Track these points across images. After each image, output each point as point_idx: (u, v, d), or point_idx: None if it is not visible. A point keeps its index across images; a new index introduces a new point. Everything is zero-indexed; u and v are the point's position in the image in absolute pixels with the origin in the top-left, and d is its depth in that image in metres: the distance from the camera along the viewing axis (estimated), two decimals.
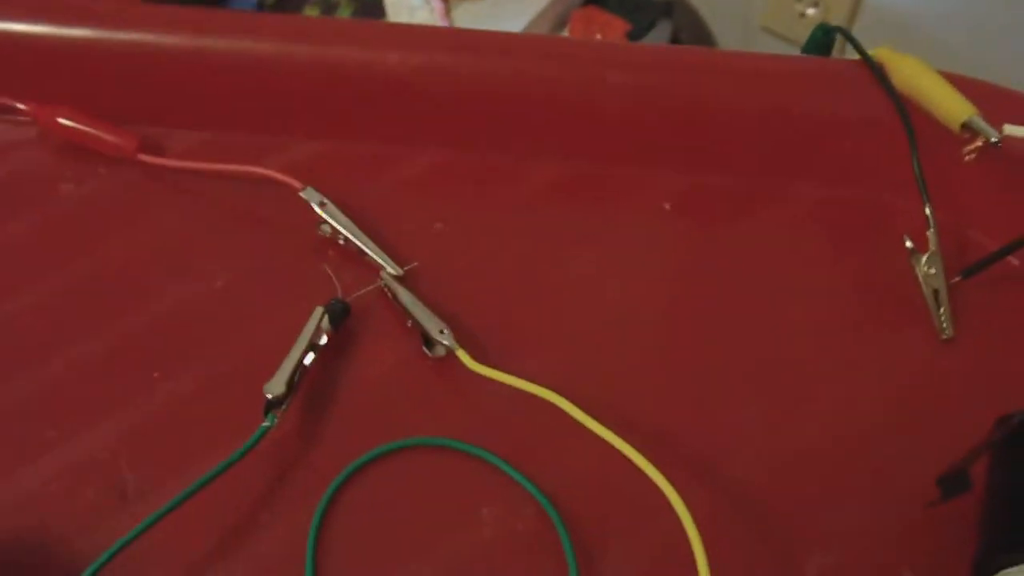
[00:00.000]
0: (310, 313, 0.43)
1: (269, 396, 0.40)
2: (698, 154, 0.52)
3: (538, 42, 0.59)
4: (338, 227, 0.47)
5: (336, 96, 0.52)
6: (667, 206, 0.50)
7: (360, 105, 0.52)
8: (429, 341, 0.43)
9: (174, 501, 0.37)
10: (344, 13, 1.26)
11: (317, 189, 0.48)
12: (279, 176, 0.49)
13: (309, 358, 0.42)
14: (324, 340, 0.43)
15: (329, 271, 0.46)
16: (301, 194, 0.48)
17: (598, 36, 1.24)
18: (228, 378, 0.43)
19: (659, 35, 1.30)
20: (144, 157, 0.51)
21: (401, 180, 0.51)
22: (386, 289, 0.45)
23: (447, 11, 1.22)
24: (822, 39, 0.54)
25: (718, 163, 0.52)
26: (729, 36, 1.34)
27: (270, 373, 0.41)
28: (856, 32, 0.55)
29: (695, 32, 1.34)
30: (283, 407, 0.40)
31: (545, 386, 0.40)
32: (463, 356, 0.42)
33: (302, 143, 0.53)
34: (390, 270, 0.46)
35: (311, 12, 1.27)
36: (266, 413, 0.40)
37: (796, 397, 0.43)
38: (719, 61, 0.54)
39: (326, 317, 0.43)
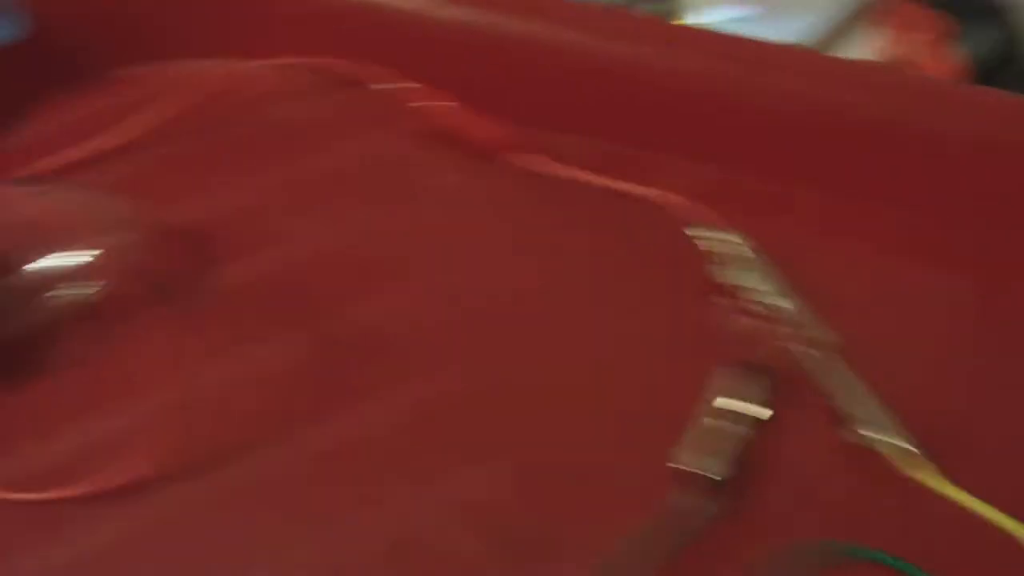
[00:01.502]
0: (704, 371, 0.39)
1: (713, 477, 0.36)
2: None
3: None
4: (763, 279, 0.42)
5: (740, 120, 0.47)
6: None
7: (760, 134, 0.47)
8: (855, 425, 0.38)
9: None
10: None
11: (718, 226, 0.43)
12: (678, 201, 0.44)
13: (740, 432, 0.37)
14: (751, 411, 0.38)
15: (737, 326, 0.42)
16: (692, 230, 0.43)
17: (916, 35, 1.15)
18: (617, 436, 0.39)
19: (986, 38, 1.19)
20: (517, 157, 0.48)
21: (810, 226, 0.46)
22: (811, 359, 0.40)
23: None
24: None
25: None
26: None
27: (661, 435, 0.37)
28: None
29: None
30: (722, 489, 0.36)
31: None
32: (920, 464, 0.36)
33: (688, 165, 0.48)
34: (820, 337, 0.40)
35: None
36: (705, 495, 0.36)
37: None
38: None
39: (746, 386, 0.38)
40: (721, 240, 0.43)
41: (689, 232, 0.44)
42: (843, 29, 1.21)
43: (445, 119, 0.48)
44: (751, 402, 0.39)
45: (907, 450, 0.37)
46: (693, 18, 1.17)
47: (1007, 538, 0.35)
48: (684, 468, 0.36)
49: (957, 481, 0.36)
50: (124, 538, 0.36)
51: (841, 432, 0.39)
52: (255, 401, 0.41)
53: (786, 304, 0.41)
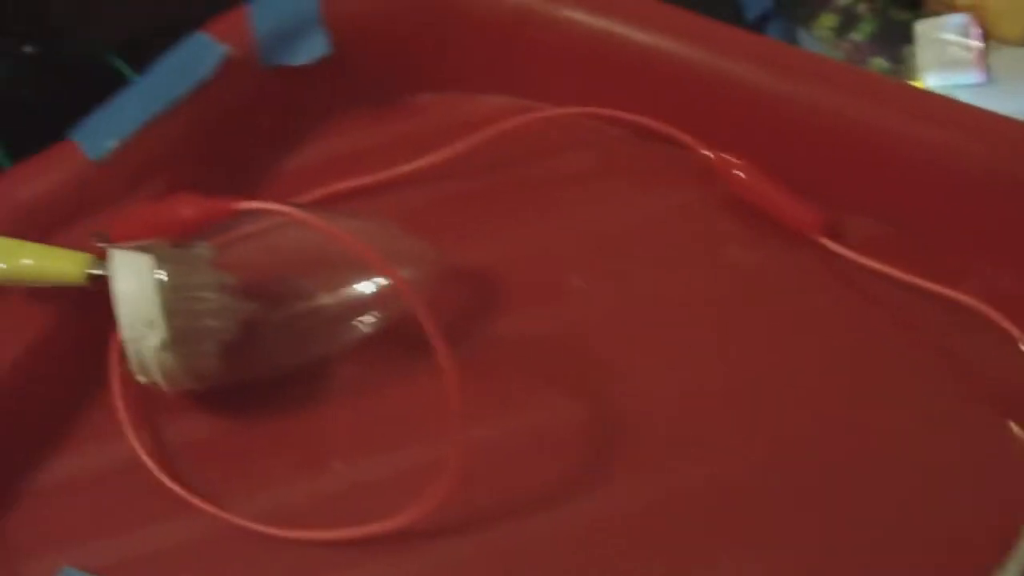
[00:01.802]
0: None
1: None
2: None
3: None
4: None
5: None
6: None
7: None
8: None
9: None
10: (864, 29, 1.16)
11: None
12: (991, 314, 0.41)
13: None
14: None
15: None
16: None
17: None
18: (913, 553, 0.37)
19: None
20: (827, 242, 0.45)
21: None
22: None
23: (984, 55, 1.09)
24: None
25: None
26: None
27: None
28: None
29: None
30: None
31: None
32: None
33: (1003, 271, 0.44)
34: None
35: (827, 20, 1.17)
36: None
37: None
38: None
39: None
40: None
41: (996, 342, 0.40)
42: None
43: (753, 191, 0.45)
44: None
45: None
46: (927, 80, 1.13)
47: None
48: None
49: None
50: None
51: None
52: (529, 461, 0.40)
53: None
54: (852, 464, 0.40)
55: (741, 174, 0.45)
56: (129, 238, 0.39)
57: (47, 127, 0.58)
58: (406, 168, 0.47)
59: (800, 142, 0.46)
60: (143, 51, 0.58)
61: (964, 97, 1.12)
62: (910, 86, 0.53)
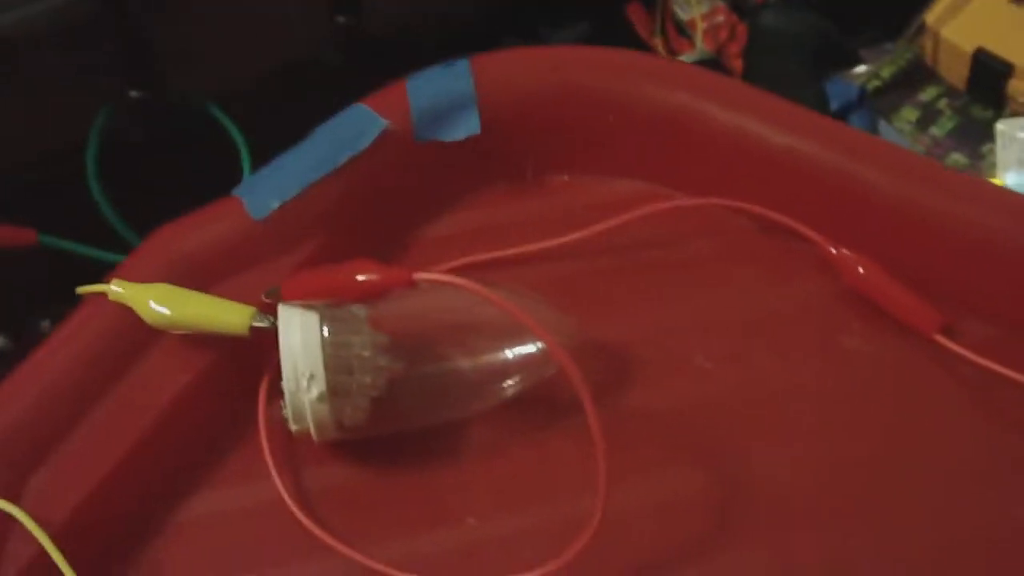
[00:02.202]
0: None
1: None
2: None
3: None
4: None
5: None
6: None
7: None
8: None
9: None
10: (944, 124, 1.18)
11: None
12: None
13: None
14: None
15: None
16: None
17: None
18: None
19: None
20: (943, 340, 0.47)
21: None
22: None
23: None
24: None
25: None
26: None
27: None
28: None
29: None
30: None
31: None
32: None
33: None
34: None
35: (908, 114, 1.19)
36: None
37: None
38: None
39: None
40: None
41: None
42: None
43: (872, 286, 0.48)
44: None
45: None
46: (1006, 178, 1.14)
47: None
48: None
49: None
50: None
51: None
52: (654, 527, 0.42)
53: None
54: (952, 550, 0.42)
55: (861, 269, 0.48)
56: (302, 298, 0.42)
57: (149, 169, 0.62)
58: (543, 244, 0.50)
59: (917, 243, 0.48)
60: (242, 101, 0.62)
61: None
62: (1016, 192, 0.55)
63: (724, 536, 0.42)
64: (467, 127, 0.49)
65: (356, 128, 0.48)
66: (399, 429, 0.45)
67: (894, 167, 0.48)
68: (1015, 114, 1.15)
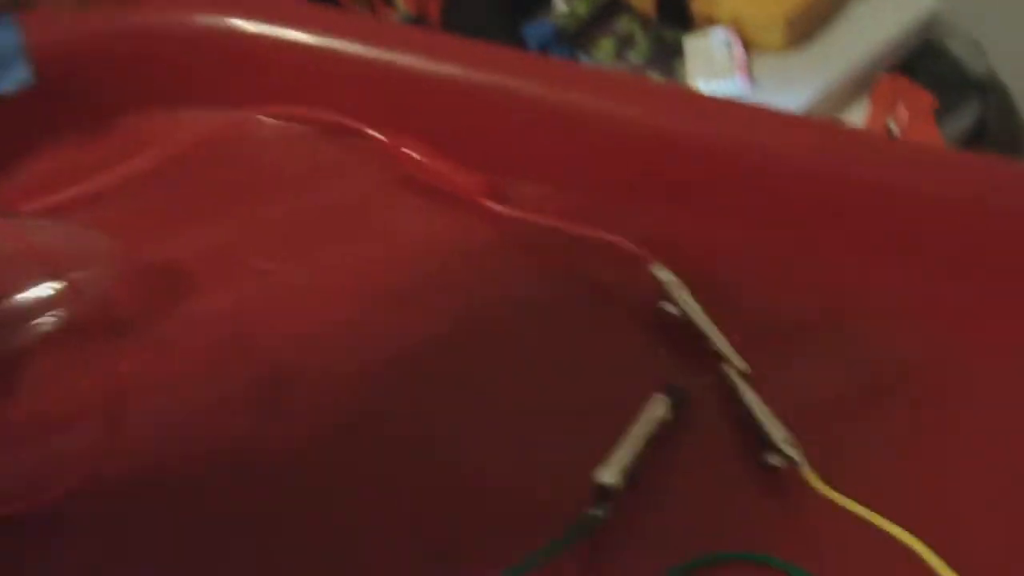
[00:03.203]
0: (640, 396, 0.42)
1: (603, 484, 0.39)
2: None
3: None
4: (683, 308, 0.45)
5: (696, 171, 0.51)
6: None
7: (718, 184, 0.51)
8: (768, 448, 0.41)
9: None
10: (640, 49, 1.25)
11: (666, 266, 0.47)
12: (628, 246, 0.47)
13: (644, 447, 0.41)
14: (658, 430, 0.42)
15: (666, 355, 0.45)
16: (651, 269, 0.47)
17: (902, 108, 1.19)
18: (545, 457, 0.42)
19: (966, 114, 1.23)
20: (489, 203, 0.52)
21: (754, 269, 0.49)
22: (727, 384, 0.43)
23: (747, 63, 1.20)
24: None
25: None
26: None
27: (587, 455, 0.40)
28: None
29: (1006, 115, 1.26)
30: (615, 498, 0.39)
31: (902, 525, 0.37)
32: (809, 475, 0.40)
33: (650, 213, 0.51)
34: (734, 363, 0.44)
35: (605, 45, 1.27)
36: (596, 502, 0.39)
37: None
38: None
39: (665, 405, 0.42)
40: (669, 280, 0.46)
41: (653, 271, 0.47)
42: (835, 104, 1.25)
43: (422, 167, 0.52)
44: (667, 422, 0.42)
45: (805, 466, 0.40)
46: (697, 86, 1.22)
47: (895, 544, 0.37)
48: (593, 482, 0.39)
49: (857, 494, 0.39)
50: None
51: (753, 451, 0.41)
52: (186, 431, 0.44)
53: (709, 333, 0.45)
54: (521, 386, 0.46)
55: (412, 153, 0.52)
56: None
57: None
58: (107, 182, 0.53)
59: (467, 121, 0.53)
60: None
61: None
62: (561, 61, 0.60)
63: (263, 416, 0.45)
64: (18, 79, 0.51)
65: None
66: None
67: (428, 51, 0.53)
68: (700, 30, 1.23)
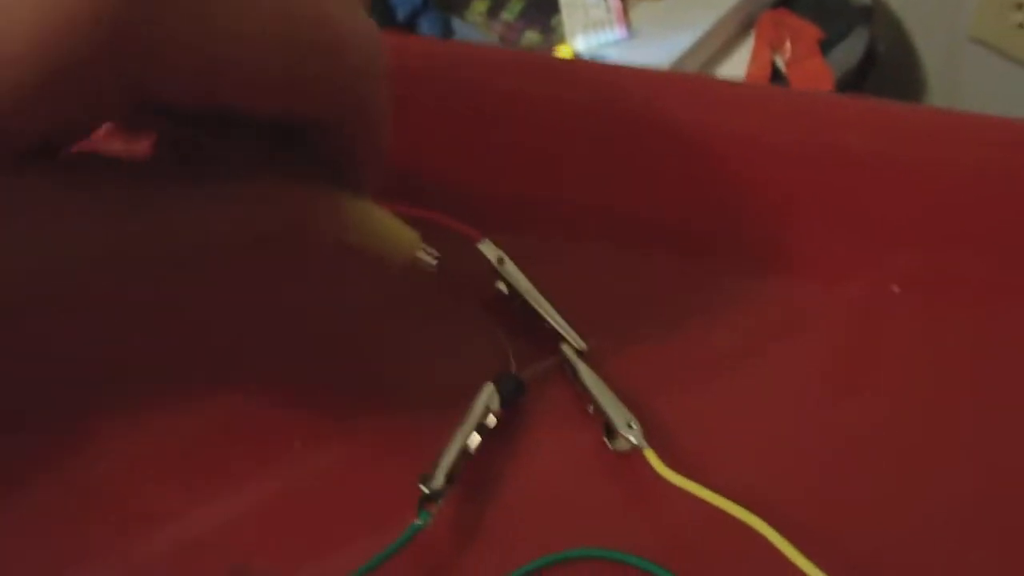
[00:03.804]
0: (476, 385, 0.39)
1: (425, 490, 0.35)
2: None
3: None
4: (515, 288, 0.42)
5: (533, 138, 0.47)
6: (896, 288, 0.44)
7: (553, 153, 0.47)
8: (611, 432, 0.38)
9: None
10: (513, 8, 1.21)
11: (498, 243, 0.43)
12: (454, 223, 0.44)
13: (474, 443, 0.37)
14: (492, 422, 0.38)
15: (503, 339, 0.41)
16: (479, 246, 0.43)
17: (787, 43, 1.16)
18: (374, 455, 0.39)
19: (854, 44, 1.20)
20: None
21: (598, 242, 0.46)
22: (566, 366, 0.40)
23: (624, 11, 1.16)
24: None
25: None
26: (934, 48, 1.24)
27: (423, 452, 0.36)
28: None
29: (895, 42, 1.24)
30: (439, 503, 0.36)
31: (742, 503, 0.34)
32: (651, 457, 0.37)
33: (484, 188, 0.48)
34: (572, 343, 0.40)
35: (479, 6, 1.22)
36: (419, 509, 0.35)
37: None
38: None
39: (496, 396, 0.38)
40: (499, 258, 0.43)
41: (481, 248, 0.43)
42: (717, 46, 1.23)
43: None
44: (500, 412, 0.38)
45: (652, 452, 0.37)
46: (575, 44, 1.19)
47: (747, 531, 0.34)
48: (420, 485, 0.36)
49: (701, 476, 0.36)
50: None
51: (598, 436, 0.38)
52: None
53: (543, 311, 0.41)
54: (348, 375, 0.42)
55: None
56: None
57: None
58: None
59: None
60: None
61: (611, 53, 1.18)
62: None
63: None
64: None
65: None
66: None
67: None
68: None
